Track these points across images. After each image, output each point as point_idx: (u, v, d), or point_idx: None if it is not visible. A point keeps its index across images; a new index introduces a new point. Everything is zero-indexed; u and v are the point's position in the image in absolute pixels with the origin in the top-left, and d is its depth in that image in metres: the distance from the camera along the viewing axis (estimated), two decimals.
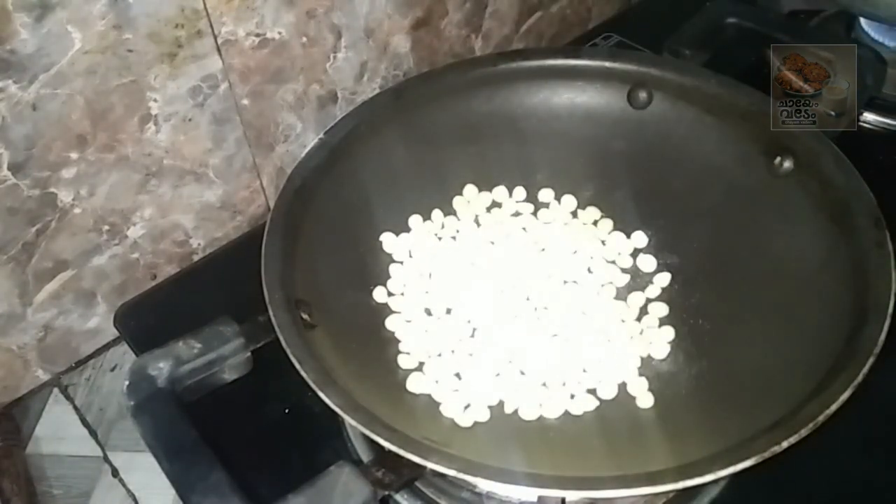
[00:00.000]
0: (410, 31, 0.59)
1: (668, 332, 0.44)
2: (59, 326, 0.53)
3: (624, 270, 0.47)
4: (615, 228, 0.49)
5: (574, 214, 0.50)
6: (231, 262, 0.55)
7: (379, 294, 0.46)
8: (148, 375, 0.38)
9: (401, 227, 0.49)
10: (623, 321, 0.44)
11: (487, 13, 0.64)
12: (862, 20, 0.60)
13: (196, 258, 0.57)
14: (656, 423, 0.40)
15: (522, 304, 0.45)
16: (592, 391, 0.41)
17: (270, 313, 0.38)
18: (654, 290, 0.46)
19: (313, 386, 0.35)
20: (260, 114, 0.54)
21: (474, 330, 0.44)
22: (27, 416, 0.56)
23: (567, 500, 0.36)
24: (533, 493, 0.32)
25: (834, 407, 0.33)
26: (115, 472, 0.53)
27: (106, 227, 0.51)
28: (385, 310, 0.45)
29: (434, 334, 0.44)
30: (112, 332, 0.55)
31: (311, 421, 0.43)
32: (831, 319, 0.38)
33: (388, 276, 0.47)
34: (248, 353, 0.41)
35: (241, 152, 0.55)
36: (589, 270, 0.47)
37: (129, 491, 0.52)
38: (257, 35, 0.51)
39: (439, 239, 0.49)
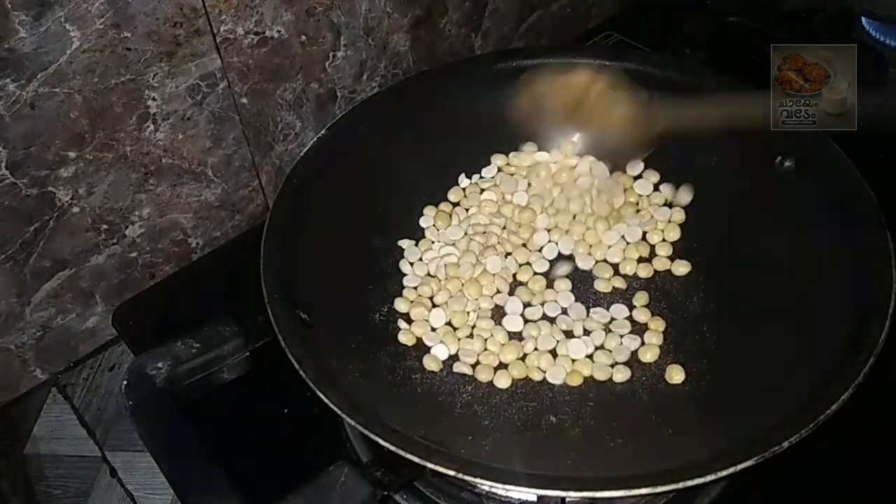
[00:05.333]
0: (410, 29, 0.59)
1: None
2: (57, 326, 0.53)
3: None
4: None
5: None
6: (230, 261, 0.55)
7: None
8: (146, 375, 0.38)
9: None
10: (623, 321, 0.44)
11: (487, 12, 0.64)
12: (863, 19, 0.60)
13: (195, 257, 0.57)
14: (657, 423, 0.40)
15: (523, 303, 0.45)
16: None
17: (269, 313, 0.38)
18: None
19: (312, 386, 0.35)
20: (259, 113, 0.54)
21: (473, 329, 0.44)
22: (25, 415, 0.55)
23: (567, 500, 0.36)
24: (533, 493, 0.32)
25: (834, 407, 0.33)
26: (113, 472, 0.53)
27: (104, 227, 0.51)
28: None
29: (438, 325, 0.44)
30: (110, 332, 0.55)
31: (310, 421, 0.43)
32: (832, 319, 0.38)
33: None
34: (247, 353, 0.40)
35: (239, 151, 0.55)
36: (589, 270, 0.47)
37: (127, 491, 0.52)
38: (256, 33, 0.50)
39: (438, 238, 0.49)
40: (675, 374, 0.41)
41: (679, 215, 0.48)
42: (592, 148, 0.49)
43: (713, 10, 0.57)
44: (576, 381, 0.41)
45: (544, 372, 0.42)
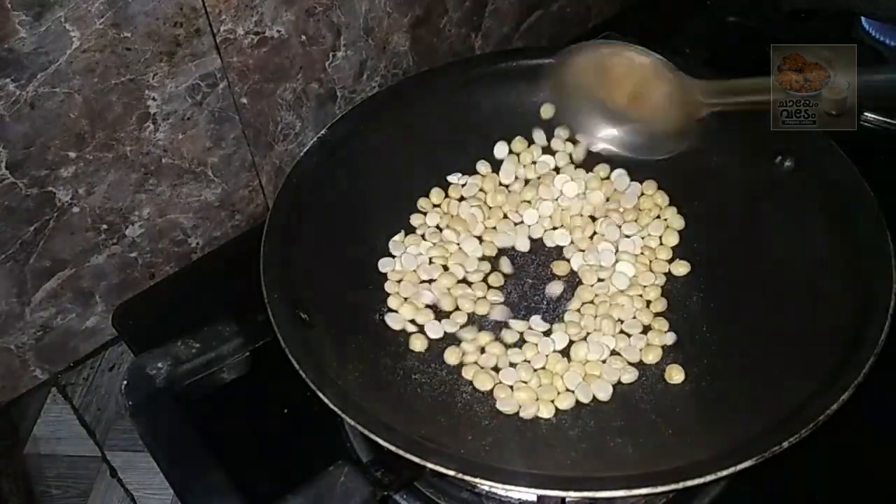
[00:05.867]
0: (410, 29, 0.59)
1: (668, 334, 0.44)
2: (57, 326, 0.53)
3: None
4: None
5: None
6: (230, 261, 0.55)
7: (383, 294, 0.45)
8: (146, 375, 0.38)
9: (401, 226, 0.49)
10: (622, 321, 0.44)
11: (487, 12, 0.64)
12: (863, 19, 0.60)
13: (195, 257, 0.57)
14: (657, 422, 0.40)
15: (524, 299, 0.45)
16: (593, 391, 0.41)
17: (269, 313, 0.38)
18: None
19: (312, 386, 0.35)
20: (259, 113, 0.54)
21: (473, 324, 0.44)
22: (25, 415, 0.55)
23: (567, 500, 0.36)
24: (533, 493, 0.32)
25: (834, 407, 0.33)
26: (113, 472, 0.53)
27: (104, 227, 0.51)
28: (385, 310, 0.45)
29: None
30: (110, 332, 0.55)
31: (310, 421, 0.43)
32: (831, 319, 0.38)
33: (388, 278, 0.46)
34: (247, 353, 0.40)
35: (239, 151, 0.55)
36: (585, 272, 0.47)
37: (127, 491, 0.52)
38: (256, 33, 0.50)
39: (439, 237, 0.49)
40: (675, 374, 0.41)
41: (678, 221, 0.48)
42: (630, 139, 0.47)
43: (713, 10, 0.57)
44: (589, 388, 0.41)
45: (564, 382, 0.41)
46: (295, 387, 0.35)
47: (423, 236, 0.48)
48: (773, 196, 0.45)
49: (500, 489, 0.35)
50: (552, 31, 0.70)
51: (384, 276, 0.46)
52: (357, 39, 0.56)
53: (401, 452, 0.33)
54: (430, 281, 0.46)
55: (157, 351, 0.39)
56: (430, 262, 0.47)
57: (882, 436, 0.43)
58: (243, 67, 0.51)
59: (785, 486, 0.41)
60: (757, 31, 0.55)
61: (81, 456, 0.54)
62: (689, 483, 0.32)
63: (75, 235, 0.50)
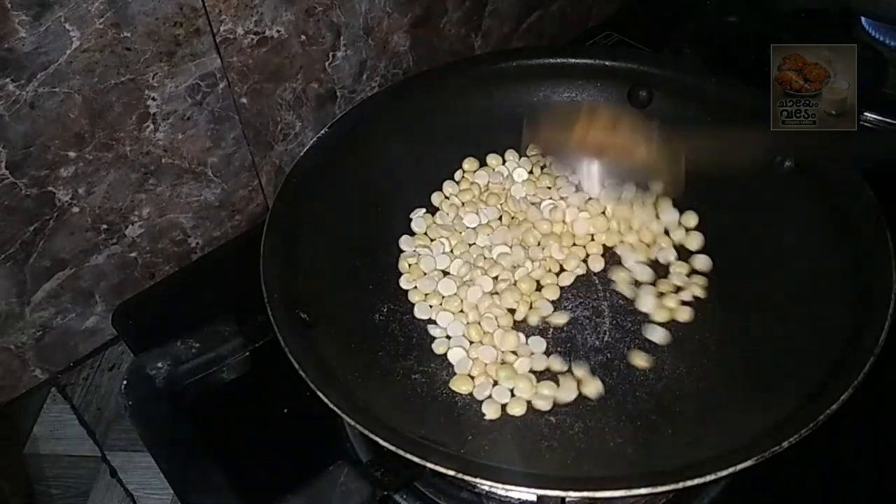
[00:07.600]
0: (410, 29, 0.59)
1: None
2: (56, 326, 0.53)
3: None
4: None
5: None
6: (230, 261, 0.55)
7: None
8: (146, 375, 0.38)
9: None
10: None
11: (487, 12, 0.64)
12: (863, 19, 0.60)
13: (195, 257, 0.57)
14: (657, 422, 0.40)
15: (525, 296, 0.45)
16: (595, 388, 0.41)
17: (269, 313, 0.38)
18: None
19: (312, 385, 0.35)
20: (259, 112, 0.54)
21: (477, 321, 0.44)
22: (25, 415, 0.55)
23: (567, 500, 0.36)
24: (533, 493, 0.32)
25: (834, 407, 0.33)
26: (113, 472, 0.53)
27: (104, 227, 0.51)
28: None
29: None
30: (110, 332, 0.55)
31: (310, 421, 0.43)
32: (831, 320, 0.38)
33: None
34: (247, 353, 0.41)
35: (239, 151, 0.55)
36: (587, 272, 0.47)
37: (127, 491, 0.52)
38: (256, 33, 0.50)
39: (442, 235, 0.49)
40: (639, 360, 0.41)
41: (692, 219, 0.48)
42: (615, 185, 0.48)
43: (713, 10, 0.57)
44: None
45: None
46: (295, 387, 0.35)
47: (426, 233, 0.48)
48: (773, 196, 0.45)
49: (500, 489, 0.35)
50: (552, 31, 0.70)
51: (397, 276, 0.46)
52: (357, 39, 0.56)
53: (401, 452, 0.33)
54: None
55: (156, 351, 0.39)
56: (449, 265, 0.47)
57: (882, 436, 0.43)
58: (243, 67, 0.51)
59: (785, 486, 0.41)
60: (757, 31, 0.55)
61: (81, 456, 0.54)
62: (689, 483, 0.32)
63: (75, 235, 0.50)
